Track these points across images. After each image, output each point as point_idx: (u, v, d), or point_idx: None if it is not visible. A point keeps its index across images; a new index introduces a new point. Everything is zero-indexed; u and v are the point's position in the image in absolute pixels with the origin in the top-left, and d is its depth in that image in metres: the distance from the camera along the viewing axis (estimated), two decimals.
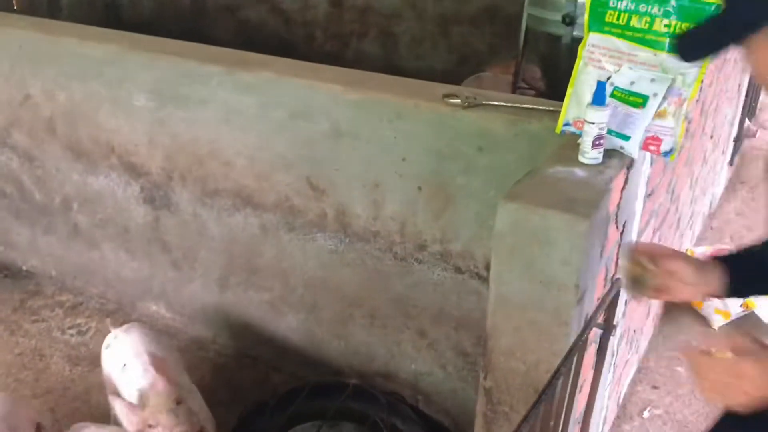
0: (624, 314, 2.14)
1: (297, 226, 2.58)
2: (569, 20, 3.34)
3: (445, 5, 5.59)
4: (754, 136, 5.03)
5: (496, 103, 2.07)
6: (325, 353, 2.77)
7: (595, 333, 1.70)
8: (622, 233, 1.86)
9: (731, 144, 4.26)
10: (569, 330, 1.54)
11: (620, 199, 1.72)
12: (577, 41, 3.10)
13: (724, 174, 4.34)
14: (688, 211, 3.16)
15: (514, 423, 1.68)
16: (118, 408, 2.12)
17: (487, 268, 2.23)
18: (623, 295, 1.85)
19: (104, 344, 2.50)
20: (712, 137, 3.27)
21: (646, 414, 2.73)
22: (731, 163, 4.47)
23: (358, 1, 5.89)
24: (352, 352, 2.70)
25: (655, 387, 2.87)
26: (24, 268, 3.59)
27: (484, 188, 2.13)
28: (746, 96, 4.29)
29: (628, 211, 1.86)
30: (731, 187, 4.58)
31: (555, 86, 3.45)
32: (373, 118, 2.25)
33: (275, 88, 2.41)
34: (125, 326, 2.54)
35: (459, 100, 2.08)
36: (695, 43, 1.15)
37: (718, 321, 3.20)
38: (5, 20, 3.21)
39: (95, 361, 2.96)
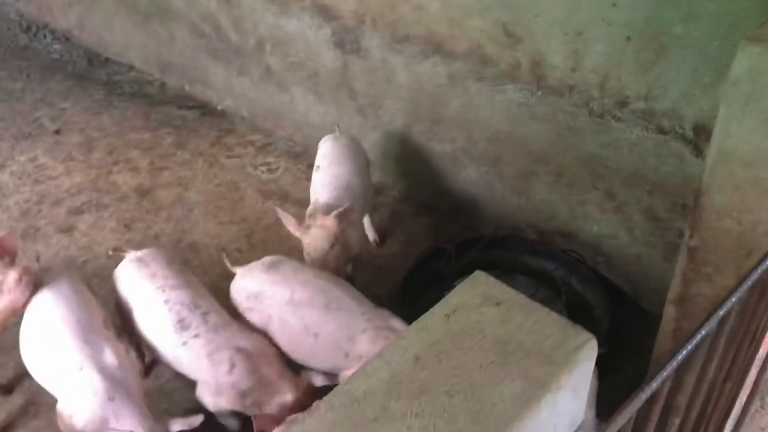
0: None
1: (487, 76, 2.51)
2: None
3: None
4: None
5: None
6: (503, 208, 2.76)
7: None
8: None
9: None
10: None
11: None
12: None
13: None
14: None
15: (717, 285, 1.60)
16: (285, 218, 2.26)
17: (695, 129, 2.09)
18: None
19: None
20: None
21: None
22: None
23: None
24: (531, 209, 2.67)
25: None
26: (219, 107, 3.82)
27: (707, 39, 1.93)
28: None
29: None
30: None
31: None
32: None
33: None
34: (337, 135, 2.70)
35: None
36: None
37: None
38: None
39: (284, 197, 3.18)
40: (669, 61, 2.04)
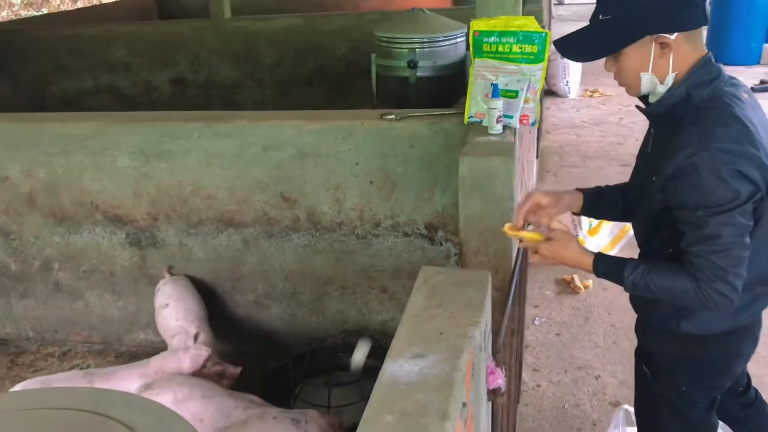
0: None
1: (275, 233, 3.42)
2: (413, 65, 4.47)
3: (282, 71, 6.57)
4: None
5: (418, 114, 3.12)
6: (305, 329, 3.59)
7: None
8: None
9: (535, 142, 5.70)
10: None
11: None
12: (422, 80, 4.32)
13: (534, 166, 5.77)
14: (529, 185, 4.43)
15: None
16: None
17: (426, 228, 3.26)
18: None
19: (157, 287, 3.44)
20: (530, 132, 4.59)
21: (536, 322, 3.87)
22: (537, 156, 5.93)
23: (199, 78, 6.68)
24: (328, 321, 3.55)
25: (535, 306, 4.04)
26: None
27: (419, 172, 3.15)
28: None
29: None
30: (540, 175, 6.04)
31: None
32: (330, 139, 3.20)
33: (249, 130, 3.26)
34: (176, 277, 3.43)
35: (393, 116, 3.11)
36: (579, 49, 1.63)
37: None
38: None
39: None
40: (399, 190, 3.21)
